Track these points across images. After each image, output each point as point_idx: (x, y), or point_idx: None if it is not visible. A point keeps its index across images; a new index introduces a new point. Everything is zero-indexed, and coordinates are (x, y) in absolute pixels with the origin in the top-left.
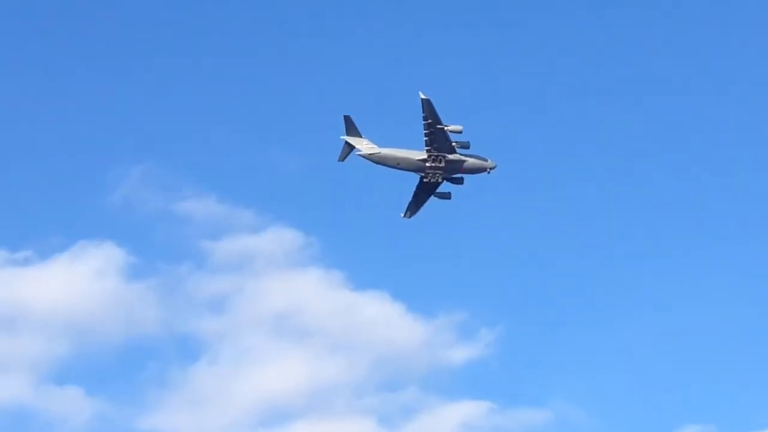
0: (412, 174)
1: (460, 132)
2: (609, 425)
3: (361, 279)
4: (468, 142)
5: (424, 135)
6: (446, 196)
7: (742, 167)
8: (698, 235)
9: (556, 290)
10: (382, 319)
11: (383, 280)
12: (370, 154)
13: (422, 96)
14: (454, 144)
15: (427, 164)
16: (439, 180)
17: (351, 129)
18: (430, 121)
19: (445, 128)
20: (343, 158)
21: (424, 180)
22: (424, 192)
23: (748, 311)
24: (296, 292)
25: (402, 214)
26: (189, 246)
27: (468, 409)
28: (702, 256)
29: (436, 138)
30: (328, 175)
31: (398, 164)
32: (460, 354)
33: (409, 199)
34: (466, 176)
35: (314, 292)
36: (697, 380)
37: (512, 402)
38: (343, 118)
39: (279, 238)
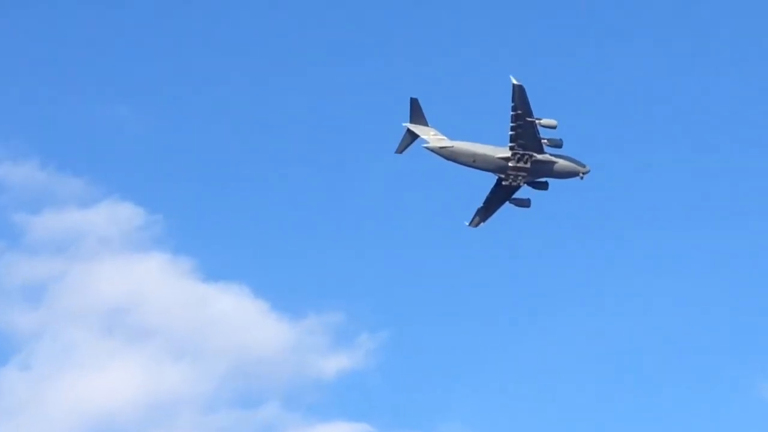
0: (483, 173)
1: (554, 127)
2: None
3: (216, 269)
4: (561, 140)
5: (510, 128)
6: (525, 203)
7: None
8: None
9: (455, 288)
10: (240, 318)
11: (243, 270)
12: (441, 148)
13: (514, 81)
14: (544, 141)
15: (510, 164)
16: (520, 183)
17: (416, 115)
18: (519, 111)
19: (537, 122)
20: (402, 149)
21: (503, 182)
22: (499, 196)
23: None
24: (134, 281)
25: (468, 222)
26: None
27: None
28: (616, 258)
29: (524, 133)
30: (180, 138)
31: (474, 161)
32: (334, 364)
33: (479, 204)
34: (552, 180)
35: (156, 283)
36: (613, 398)
37: (395, 425)
38: (409, 101)
39: (114, 215)
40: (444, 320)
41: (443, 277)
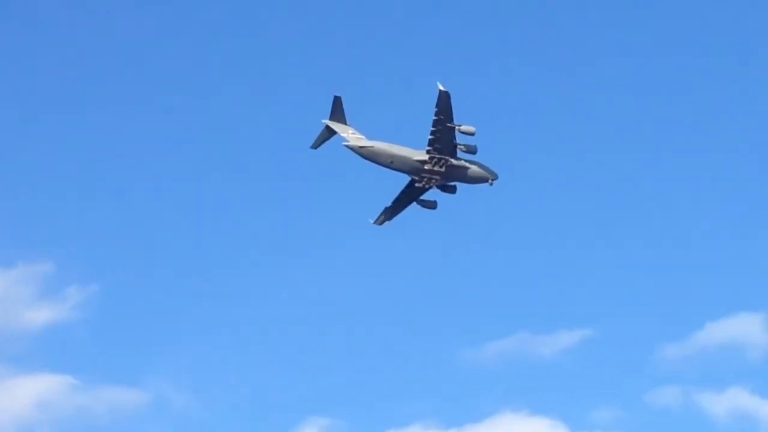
0: (396, 174)
1: (472, 134)
2: (220, 414)
3: None
4: (476, 146)
5: (430, 133)
6: (432, 205)
7: None
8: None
9: (170, 243)
10: None
11: None
12: (360, 147)
13: (441, 88)
14: (460, 147)
15: (426, 167)
16: (431, 186)
17: (337, 113)
18: (441, 117)
19: (457, 128)
20: (318, 145)
21: (416, 184)
22: (408, 197)
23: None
24: None
25: (372, 221)
26: None
27: (44, 384)
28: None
29: (443, 138)
30: None
31: (391, 162)
32: (40, 315)
33: (387, 203)
34: (462, 185)
35: None
36: (334, 368)
37: (100, 379)
38: (333, 98)
39: None
40: (157, 274)
41: (155, 230)
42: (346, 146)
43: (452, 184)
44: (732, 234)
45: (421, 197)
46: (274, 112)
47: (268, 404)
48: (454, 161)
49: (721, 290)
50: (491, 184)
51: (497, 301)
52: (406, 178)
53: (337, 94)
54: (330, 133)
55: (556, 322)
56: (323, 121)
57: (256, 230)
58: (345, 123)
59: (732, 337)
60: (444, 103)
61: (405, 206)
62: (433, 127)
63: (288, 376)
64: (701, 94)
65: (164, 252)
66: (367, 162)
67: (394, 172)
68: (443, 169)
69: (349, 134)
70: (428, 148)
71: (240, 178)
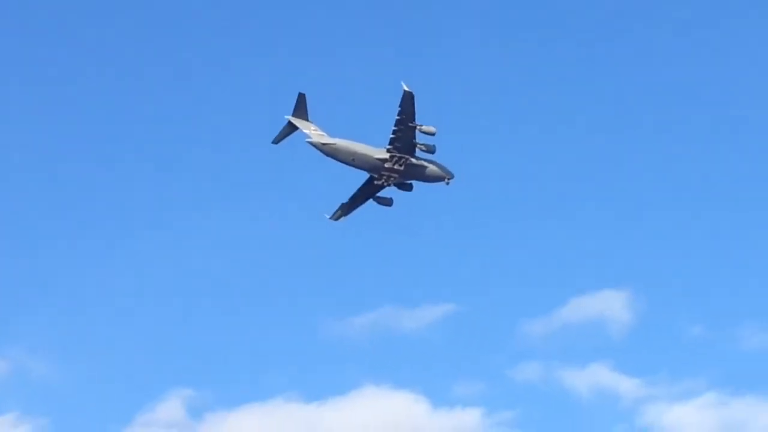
0: (355, 171)
1: (433, 134)
2: (81, 383)
3: None
4: (434, 146)
5: (392, 132)
6: (388, 202)
7: None
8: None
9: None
10: None
11: None
12: (323, 144)
13: (405, 88)
14: (420, 146)
15: (386, 165)
16: (389, 184)
17: (300, 109)
18: (404, 116)
19: (418, 127)
20: (279, 140)
21: (375, 181)
22: (365, 194)
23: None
24: None
25: (329, 216)
26: None
27: None
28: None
29: (404, 137)
30: None
31: (353, 160)
32: None
33: (344, 199)
34: (418, 183)
35: None
36: (197, 340)
37: None
38: (297, 95)
39: None
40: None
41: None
42: (309, 142)
43: (409, 182)
44: (596, 211)
45: (378, 194)
46: (238, 107)
47: (131, 375)
48: (413, 160)
49: (584, 267)
50: (448, 183)
51: (362, 276)
52: (364, 175)
53: (302, 91)
54: (292, 128)
55: (420, 296)
56: (286, 117)
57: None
58: (307, 119)
59: (594, 313)
60: (407, 103)
61: (362, 203)
62: (395, 126)
63: (152, 346)
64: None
65: (24, 221)
66: (329, 159)
67: (354, 169)
68: (402, 168)
69: (311, 131)
70: (389, 146)
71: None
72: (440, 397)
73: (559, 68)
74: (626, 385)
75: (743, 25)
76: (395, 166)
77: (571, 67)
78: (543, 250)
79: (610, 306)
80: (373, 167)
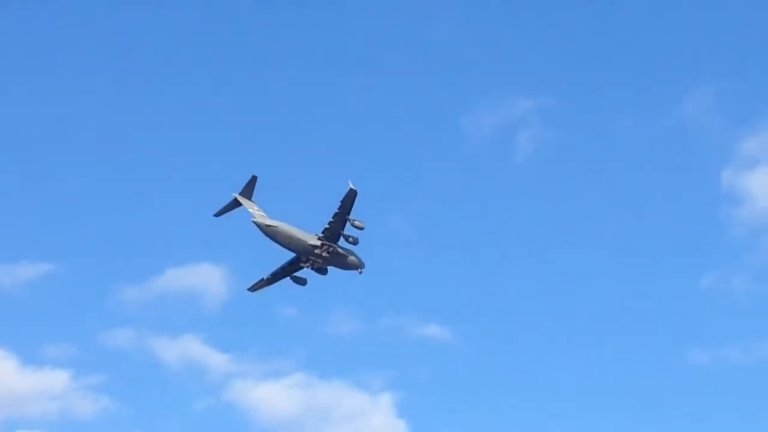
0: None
1: (361, 229)
2: None
3: None
4: (358, 238)
5: (328, 222)
6: (302, 281)
7: None
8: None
9: None
10: None
11: None
12: (267, 226)
13: (351, 186)
14: (348, 238)
15: (316, 250)
16: (310, 267)
17: (248, 189)
18: (342, 210)
19: (351, 221)
20: (221, 213)
21: (302, 264)
22: (286, 272)
23: None
24: None
25: (248, 288)
26: None
27: None
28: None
29: (336, 227)
30: None
31: (289, 243)
32: None
33: (267, 275)
34: (333, 269)
35: None
36: None
37: None
38: (251, 177)
39: None
40: None
41: None
42: (254, 222)
43: (327, 267)
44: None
45: (295, 273)
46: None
47: None
48: (339, 249)
49: (182, 239)
50: (360, 273)
51: None
52: (288, 254)
53: (255, 174)
54: (236, 205)
55: (18, 252)
56: (234, 194)
57: None
58: (251, 199)
59: (190, 285)
60: (350, 199)
61: (280, 279)
62: (332, 218)
63: None
64: None
65: None
66: (266, 238)
67: (281, 248)
68: (328, 255)
69: (255, 210)
70: (320, 234)
71: None
72: (29, 356)
73: None
74: (216, 360)
75: None
76: (323, 253)
77: None
78: (141, 217)
79: (206, 279)
80: (304, 251)
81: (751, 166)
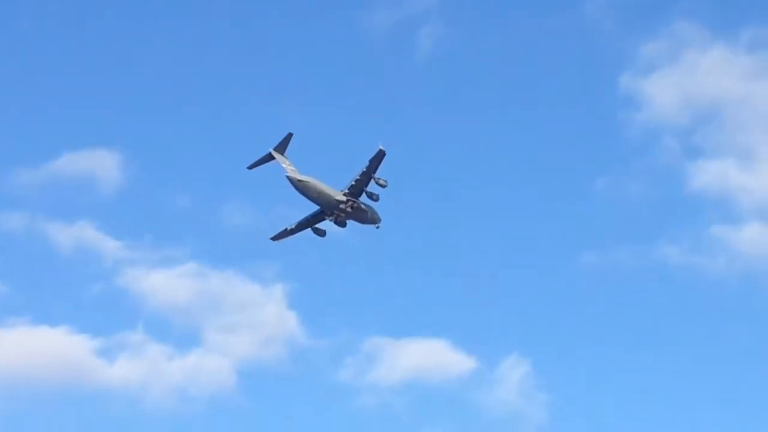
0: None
1: (384, 186)
2: None
3: None
4: (379, 195)
5: (355, 180)
6: (322, 233)
7: None
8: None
9: None
10: None
11: None
12: (298, 180)
13: (381, 147)
14: (371, 195)
15: (341, 206)
16: (333, 220)
17: (283, 145)
18: (369, 169)
19: (375, 179)
20: (254, 166)
21: (326, 217)
22: (309, 224)
23: None
24: None
25: (271, 237)
26: None
27: None
28: None
29: (361, 184)
30: None
31: (317, 197)
32: None
33: (289, 226)
34: (352, 222)
35: None
36: None
37: None
38: (287, 134)
39: None
40: None
41: None
42: (287, 177)
43: (348, 221)
44: None
45: (317, 225)
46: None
47: None
48: (362, 205)
49: (79, 123)
50: (378, 227)
51: None
52: (311, 206)
53: (291, 132)
54: (269, 159)
55: None
56: (270, 150)
57: None
58: (284, 155)
59: (86, 170)
60: (378, 159)
61: (302, 230)
62: (358, 176)
63: None
64: None
65: None
66: (295, 192)
67: (308, 201)
68: (351, 210)
69: (287, 165)
70: (346, 190)
71: None
72: None
73: None
74: (109, 246)
75: None
76: (347, 208)
77: None
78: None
79: (102, 164)
80: (329, 205)
81: (649, 71)
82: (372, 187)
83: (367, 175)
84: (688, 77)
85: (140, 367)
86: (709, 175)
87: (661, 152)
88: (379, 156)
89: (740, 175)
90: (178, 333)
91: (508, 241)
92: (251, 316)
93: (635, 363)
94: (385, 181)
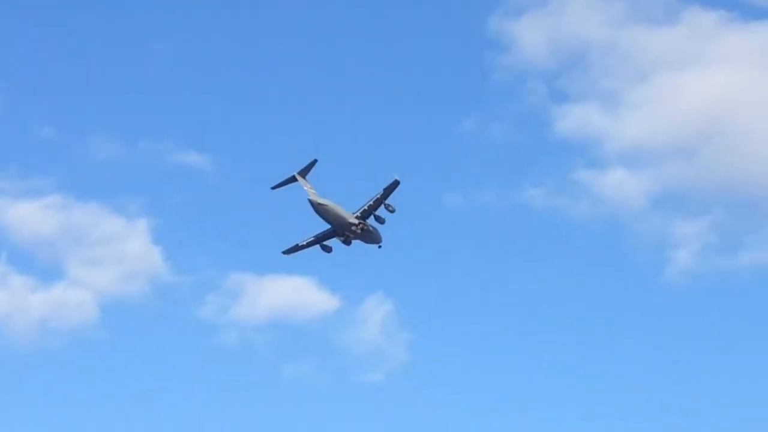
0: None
1: (393, 211)
2: None
3: None
4: (385, 219)
5: (368, 205)
6: (329, 249)
7: None
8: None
9: None
10: None
11: None
12: (319, 204)
13: (397, 178)
14: (378, 218)
15: (352, 227)
16: (340, 238)
17: (307, 170)
18: (382, 197)
19: (386, 205)
20: (278, 187)
21: (338, 237)
22: (318, 241)
23: None
24: None
25: (282, 251)
26: None
27: None
28: None
29: (373, 209)
30: None
31: (333, 220)
32: None
33: (301, 242)
34: (357, 242)
35: None
36: None
37: None
38: (312, 160)
39: None
40: None
41: None
42: (309, 200)
43: (354, 240)
44: None
45: (324, 242)
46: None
47: None
48: (370, 228)
49: None
50: (380, 247)
51: None
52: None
53: (317, 158)
54: (292, 181)
55: None
56: (295, 173)
57: None
58: (305, 178)
59: None
60: (392, 188)
61: (311, 246)
62: (372, 201)
63: None
64: None
65: None
66: (315, 214)
67: (320, 221)
68: (360, 232)
69: (308, 188)
70: (358, 213)
71: None
72: None
73: None
74: None
75: None
76: (357, 230)
77: None
78: None
79: None
80: (343, 227)
81: (518, 13)
82: (380, 211)
83: (380, 201)
84: (555, 20)
85: (1, 299)
86: (574, 119)
87: (527, 95)
88: (393, 186)
89: (604, 120)
90: (41, 265)
91: (373, 182)
92: (115, 250)
93: (496, 303)
94: (394, 206)
